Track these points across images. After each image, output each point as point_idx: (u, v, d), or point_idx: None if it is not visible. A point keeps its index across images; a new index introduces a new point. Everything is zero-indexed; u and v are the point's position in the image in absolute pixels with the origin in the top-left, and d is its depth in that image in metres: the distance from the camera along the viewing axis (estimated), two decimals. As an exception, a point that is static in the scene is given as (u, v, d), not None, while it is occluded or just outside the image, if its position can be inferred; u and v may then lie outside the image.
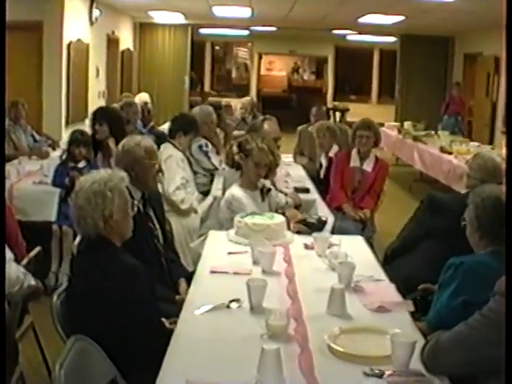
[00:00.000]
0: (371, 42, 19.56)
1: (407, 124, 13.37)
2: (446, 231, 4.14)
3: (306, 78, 25.36)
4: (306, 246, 4.39)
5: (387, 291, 3.61)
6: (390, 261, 4.38)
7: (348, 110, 20.49)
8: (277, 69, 25.02)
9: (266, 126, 6.62)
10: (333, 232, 4.75)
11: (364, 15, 12.00)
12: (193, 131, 6.55)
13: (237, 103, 11.85)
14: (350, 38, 18.87)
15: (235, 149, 5.08)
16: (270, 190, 5.21)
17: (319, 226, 4.79)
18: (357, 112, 19.39)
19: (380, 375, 2.53)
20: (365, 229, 6.46)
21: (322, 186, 6.95)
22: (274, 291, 3.37)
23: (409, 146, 12.24)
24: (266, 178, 5.15)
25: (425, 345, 2.68)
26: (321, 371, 2.61)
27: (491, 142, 13.27)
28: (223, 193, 5.47)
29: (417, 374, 2.59)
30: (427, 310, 3.44)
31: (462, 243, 3.97)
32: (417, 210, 4.54)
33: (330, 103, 21.36)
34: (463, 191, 8.81)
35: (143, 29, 16.57)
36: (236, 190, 4.97)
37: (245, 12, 13.05)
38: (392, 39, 17.73)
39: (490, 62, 13.72)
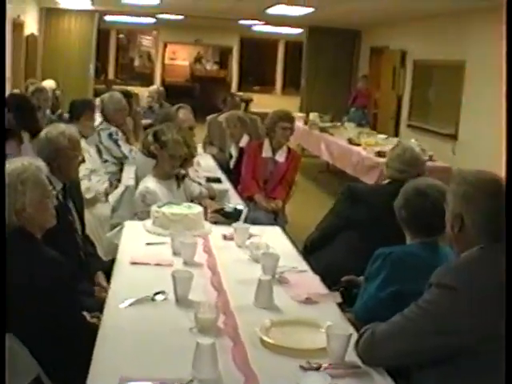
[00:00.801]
0: (277, 33, 19.60)
1: (313, 115, 13.43)
2: (365, 222, 4.14)
3: (208, 67, 25.23)
4: (225, 237, 4.32)
5: (312, 282, 3.57)
6: (310, 252, 4.35)
7: (252, 100, 20.49)
8: (180, 58, 24.80)
9: (180, 114, 6.52)
10: (245, 222, 4.71)
11: (273, 5, 11.94)
12: (89, 113, 6.37)
13: (143, 92, 11.71)
14: (256, 28, 18.84)
15: (151, 138, 4.97)
16: (184, 176, 5.13)
17: (236, 215, 4.73)
18: (261, 103, 19.44)
19: (317, 368, 2.48)
20: (277, 219, 6.46)
21: (233, 176, 6.90)
22: (198, 283, 3.26)
23: (315, 137, 12.29)
24: (181, 167, 5.07)
25: (359, 337, 2.64)
26: (255, 364, 2.53)
27: (396, 134, 13.48)
28: (136, 182, 5.35)
29: (353, 366, 2.56)
30: (353, 301, 3.42)
31: (383, 233, 3.99)
32: (336, 202, 4.51)
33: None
34: (371, 182, 9.01)
35: (49, 14, 16.14)
36: (150, 182, 4.86)
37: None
38: (298, 31, 17.79)
39: (397, 56, 13.91)
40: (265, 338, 2.70)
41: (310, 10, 12.11)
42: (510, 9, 4.70)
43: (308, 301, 3.24)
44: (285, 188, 6.69)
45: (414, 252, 3.29)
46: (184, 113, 6.58)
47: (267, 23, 17.07)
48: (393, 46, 14.28)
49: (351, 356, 2.61)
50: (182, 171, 5.15)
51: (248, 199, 6.26)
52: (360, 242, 4.12)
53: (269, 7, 12.26)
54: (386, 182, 4.42)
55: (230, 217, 4.67)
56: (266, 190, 6.60)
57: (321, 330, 2.79)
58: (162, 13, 15.91)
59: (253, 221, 5.11)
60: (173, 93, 18.46)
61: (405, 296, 3.13)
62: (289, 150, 6.71)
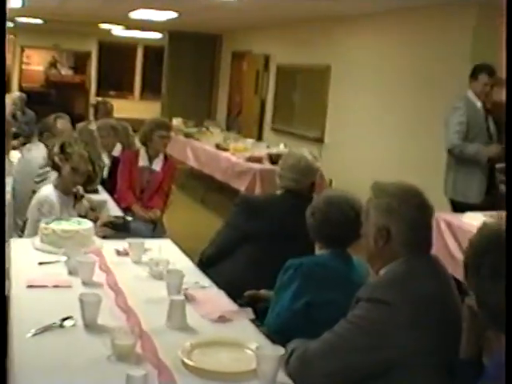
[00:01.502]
0: (136, 37, 19.33)
1: (177, 121, 13.33)
2: (265, 234, 4.08)
3: (63, 72, 24.59)
4: (119, 252, 4.16)
5: (220, 299, 3.47)
6: (207, 267, 4.24)
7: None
8: (34, 63, 24.05)
9: (58, 124, 6.26)
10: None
11: (136, 9, 11.71)
12: None
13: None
14: (115, 33, 18.50)
15: (56, 149, 4.76)
16: (83, 196, 4.94)
17: (125, 226, 4.60)
18: (119, 108, 19.04)
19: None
20: (155, 229, 6.35)
21: (108, 186, 6.71)
22: (102, 305, 3.08)
23: (181, 142, 12.16)
24: (83, 185, 4.93)
25: (289, 356, 2.58)
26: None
27: (260, 138, 13.55)
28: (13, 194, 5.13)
29: (286, 387, 2.49)
30: (263, 314, 3.36)
31: (283, 245, 3.96)
32: (232, 214, 4.42)
33: (93, 99, 20.88)
34: (243, 187, 8.99)
35: None
36: (50, 191, 4.66)
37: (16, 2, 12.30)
38: (158, 35, 17.60)
39: (260, 60, 13.98)
40: (189, 362, 2.59)
41: (174, 15, 11.97)
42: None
43: (221, 319, 3.14)
44: (162, 197, 6.60)
45: (326, 262, 3.28)
46: (62, 123, 6.32)
47: (128, 28, 16.78)
48: (256, 50, 14.34)
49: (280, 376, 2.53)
50: (81, 191, 4.96)
51: (125, 210, 6.10)
52: (260, 254, 4.06)
53: (132, 11, 12.01)
54: (280, 192, 4.37)
55: (119, 228, 4.54)
56: (142, 199, 6.48)
57: (245, 350, 2.71)
58: (22, 16, 15.36)
59: (132, 232, 4.99)
60: (29, 98, 17.88)
61: (318, 306, 3.14)
62: (165, 158, 6.60)
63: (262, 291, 3.75)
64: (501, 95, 6.51)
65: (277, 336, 2.94)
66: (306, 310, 3.15)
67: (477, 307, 2.10)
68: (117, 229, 4.54)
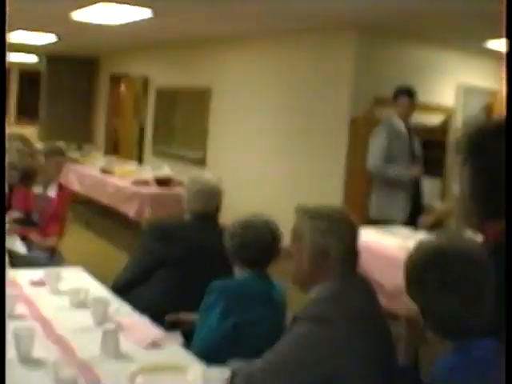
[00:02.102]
0: (11, 60, 18.85)
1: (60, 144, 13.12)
2: (182, 258, 4.15)
3: None
4: (34, 283, 4.12)
5: (146, 325, 3.52)
6: (121, 293, 4.24)
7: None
8: None
9: None
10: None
11: (14, 31, 11.43)
12: None
13: None
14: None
15: None
16: None
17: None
18: (-7, 133, 18.57)
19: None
20: (54, 257, 6.28)
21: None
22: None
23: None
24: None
25: (233, 377, 2.65)
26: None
27: (140, 161, 13.51)
28: None
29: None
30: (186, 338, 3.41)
31: (200, 268, 4.05)
32: (145, 241, 4.44)
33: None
34: (132, 211, 8.97)
35: None
36: None
37: None
38: (34, 58, 17.28)
39: (138, 83, 13.98)
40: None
41: (53, 38, 11.81)
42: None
43: (154, 344, 3.20)
44: (58, 224, 6.51)
45: (248, 283, 3.41)
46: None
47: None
48: (134, 73, 14.33)
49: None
50: None
51: (22, 239, 6.01)
52: (178, 278, 4.11)
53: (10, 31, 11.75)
54: (189, 215, 4.44)
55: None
56: (39, 227, 6.38)
57: (187, 373, 2.77)
58: None
59: (31, 261, 4.95)
60: None
61: (244, 326, 3.25)
62: (60, 184, 6.54)
63: (182, 314, 3.83)
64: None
65: (205, 358, 3.01)
66: (234, 330, 3.24)
67: (422, 318, 2.27)
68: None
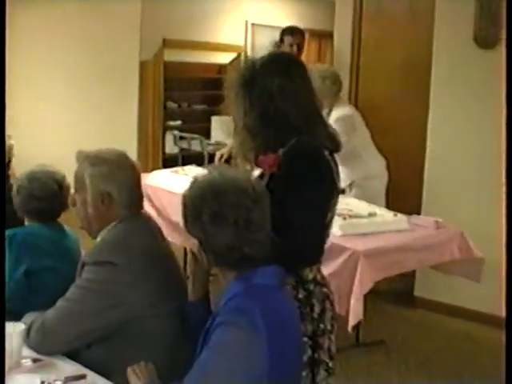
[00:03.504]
0: None
1: None
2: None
3: None
4: None
5: None
6: None
7: None
8: None
9: None
10: None
11: None
12: None
13: None
14: None
15: None
16: None
17: None
18: None
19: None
20: None
21: None
22: None
23: None
24: None
25: (28, 330, 2.64)
26: None
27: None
28: None
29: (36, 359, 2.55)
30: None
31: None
32: None
33: None
34: None
35: None
36: None
37: None
38: None
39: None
40: None
41: None
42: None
43: None
44: None
45: (39, 232, 3.37)
46: None
47: None
48: None
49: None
50: None
51: None
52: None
53: None
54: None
55: None
56: None
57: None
58: None
59: None
60: None
61: (36, 274, 3.24)
62: None
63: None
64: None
65: (11, 305, 2.97)
66: (26, 278, 3.21)
67: (202, 251, 2.35)
68: None
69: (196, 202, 2.30)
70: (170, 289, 2.69)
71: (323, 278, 2.91)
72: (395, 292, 6.43)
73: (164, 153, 8.83)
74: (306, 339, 2.77)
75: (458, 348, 5.47)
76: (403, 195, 6.40)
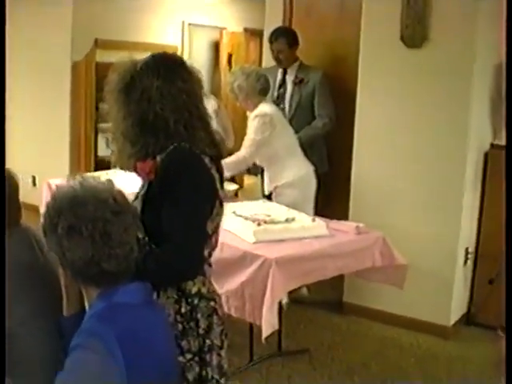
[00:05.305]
0: None
1: None
2: None
3: None
4: None
5: None
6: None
7: None
8: None
9: None
10: None
11: None
12: None
13: None
14: None
15: None
16: None
17: None
18: None
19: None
20: None
21: None
22: None
23: None
24: None
25: None
26: None
27: None
28: None
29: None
30: None
31: None
32: None
33: None
34: None
35: None
36: None
37: None
38: None
39: None
40: None
41: None
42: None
43: None
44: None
45: None
46: None
47: None
48: None
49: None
50: None
51: None
52: None
53: None
54: None
55: None
56: None
57: None
58: None
59: None
60: None
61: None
62: None
63: None
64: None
65: None
66: None
67: (64, 267, 2.19)
68: None
69: (52, 214, 2.15)
70: (46, 304, 2.53)
71: (211, 291, 2.77)
72: (326, 299, 6.33)
73: (96, 155, 8.60)
74: (190, 356, 2.64)
75: (384, 354, 5.36)
76: (333, 200, 6.31)
